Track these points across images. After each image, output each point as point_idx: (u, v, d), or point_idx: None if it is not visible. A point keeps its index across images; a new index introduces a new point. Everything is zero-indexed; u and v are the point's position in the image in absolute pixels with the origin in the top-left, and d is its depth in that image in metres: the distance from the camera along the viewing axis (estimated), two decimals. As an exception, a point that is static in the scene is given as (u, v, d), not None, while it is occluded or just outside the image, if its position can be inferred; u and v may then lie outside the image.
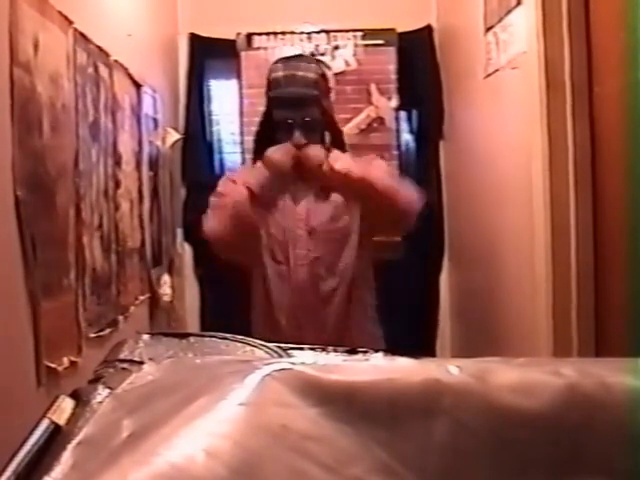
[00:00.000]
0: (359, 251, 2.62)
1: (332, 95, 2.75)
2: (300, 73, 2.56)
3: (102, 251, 2.47)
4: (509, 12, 2.61)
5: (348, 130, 4.09)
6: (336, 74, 4.09)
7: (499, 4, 2.75)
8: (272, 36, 4.11)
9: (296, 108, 2.54)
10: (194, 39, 4.15)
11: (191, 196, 4.17)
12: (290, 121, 2.54)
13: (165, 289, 3.44)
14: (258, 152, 2.68)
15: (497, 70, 2.83)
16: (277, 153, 2.59)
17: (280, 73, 2.58)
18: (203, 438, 0.70)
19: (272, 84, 2.61)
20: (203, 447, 0.69)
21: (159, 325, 3.32)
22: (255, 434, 0.71)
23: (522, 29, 2.47)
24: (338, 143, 2.70)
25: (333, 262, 2.59)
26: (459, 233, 3.91)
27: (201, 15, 4.12)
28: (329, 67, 2.88)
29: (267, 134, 2.64)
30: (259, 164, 2.63)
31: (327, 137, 2.67)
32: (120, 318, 2.65)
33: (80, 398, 0.96)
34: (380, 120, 4.12)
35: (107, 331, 2.42)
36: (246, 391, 0.76)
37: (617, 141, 2.13)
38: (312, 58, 2.99)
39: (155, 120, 3.43)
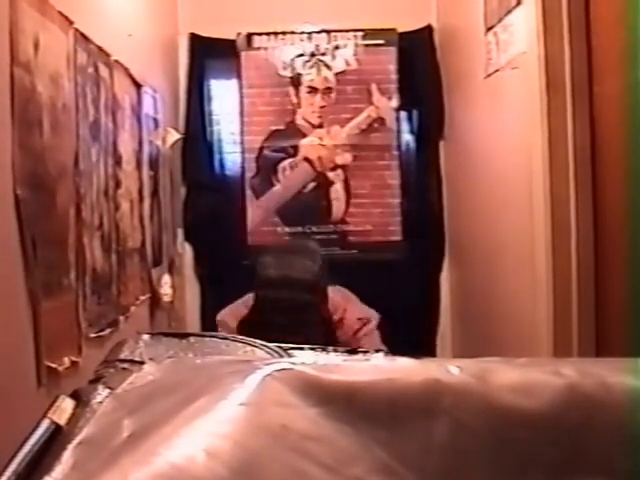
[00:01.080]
0: None
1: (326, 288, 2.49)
2: (295, 275, 2.31)
3: (102, 251, 2.46)
4: (509, 12, 2.61)
5: (349, 130, 4.10)
6: (336, 74, 4.11)
7: (499, 4, 2.75)
8: (272, 36, 4.11)
9: (288, 314, 2.27)
10: (194, 39, 4.15)
11: (191, 196, 4.17)
12: (280, 325, 2.25)
13: (165, 289, 3.44)
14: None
15: (497, 70, 2.83)
16: None
17: (272, 271, 2.33)
18: (203, 438, 0.70)
19: (262, 282, 2.35)
20: (203, 447, 0.69)
21: (159, 325, 3.32)
22: (255, 434, 0.71)
23: (522, 29, 2.47)
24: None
25: None
26: (459, 233, 3.91)
27: (201, 15, 4.12)
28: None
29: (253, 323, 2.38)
30: None
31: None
32: (120, 318, 2.65)
33: (80, 398, 0.96)
34: (381, 120, 4.11)
35: (107, 331, 2.42)
36: (246, 391, 0.76)
37: (617, 141, 2.13)
38: (306, 246, 2.73)
39: (155, 120, 3.43)
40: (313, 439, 0.74)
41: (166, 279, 3.48)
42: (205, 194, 4.16)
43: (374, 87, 4.11)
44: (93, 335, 2.28)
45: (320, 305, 2.40)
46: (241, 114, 4.15)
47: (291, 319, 2.27)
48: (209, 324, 4.03)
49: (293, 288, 2.29)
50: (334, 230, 4.10)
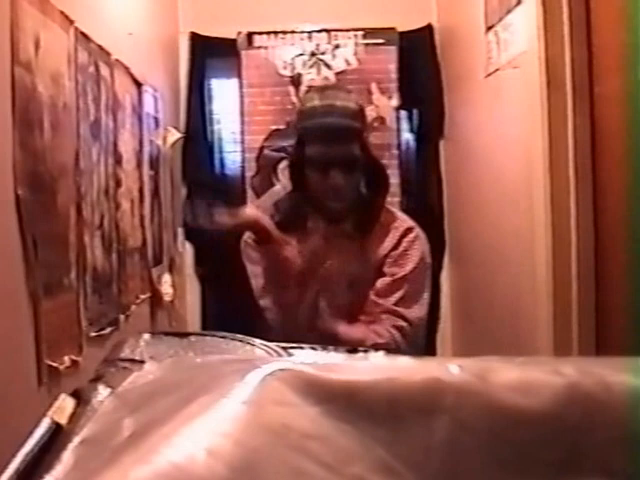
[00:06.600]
0: None
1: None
2: (339, 103, 2.19)
3: (103, 250, 2.47)
4: (510, 11, 2.61)
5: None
6: (337, 73, 4.11)
7: (500, 3, 2.75)
8: (273, 35, 4.11)
9: (334, 143, 2.14)
10: (195, 38, 4.15)
11: (192, 195, 4.18)
12: (326, 159, 2.13)
13: (166, 288, 3.44)
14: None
15: (498, 69, 2.83)
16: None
17: (316, 102, 2.20)
18: (204, 437, 0.70)
19: (305, 114, 2.22)
20: (204, 446, 0.69)
21: (160, 324, 3.32)
22: (256, 433, 0.71)
23: (523, 28, 2.47)
24: (380, 183, 2.32)
25: None
26: (460, 232, 3.91)
27: (202, 14, 4.13)
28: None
29: (299, 170, 2.22)
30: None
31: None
32: (121, 317, 2.66)
33: (81, 397, 0.96)
34: (381, 119, 4.12)
35: (108, 330, 2.43)
36: (247, 390, 0.76)
37: (617, 140, 2.13)
38: (348, 89, 2.59)
39: (156, 119, 3.43)
40: (313, 438, 0.74)
41: (166, 278, 3.48)
42: (205, 193, 4.16)
43: (374, 86, 4.11)
44: (94, 334, 2.28)
45: (364, 132, 2.23)
46: (241, 113, 4.16)
47: (337, 150, 2.14)
48: (210, 323, 4.04)
49: (338, 115, 2.15)
50: (334, 229, 4.09)
